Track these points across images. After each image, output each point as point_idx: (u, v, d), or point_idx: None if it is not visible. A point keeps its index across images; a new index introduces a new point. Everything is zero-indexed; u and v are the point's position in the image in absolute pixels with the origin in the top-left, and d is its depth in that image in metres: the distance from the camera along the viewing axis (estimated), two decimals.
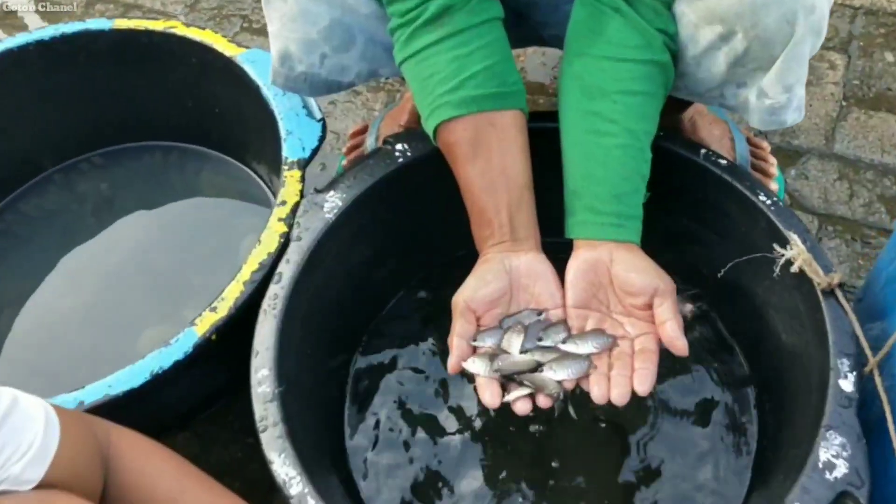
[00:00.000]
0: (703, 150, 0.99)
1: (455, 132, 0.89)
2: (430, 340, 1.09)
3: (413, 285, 1.14)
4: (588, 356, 0.85)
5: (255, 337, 0.89)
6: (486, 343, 0.86)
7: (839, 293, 0.85)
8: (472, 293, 0.87)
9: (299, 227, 0.97)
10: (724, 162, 0.98)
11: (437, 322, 1.09)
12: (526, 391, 0.84)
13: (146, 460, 0.77)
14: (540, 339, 0.86)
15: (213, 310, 0.92)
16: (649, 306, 0.85)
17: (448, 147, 0.91)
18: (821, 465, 0.77)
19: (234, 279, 0.94)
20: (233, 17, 1.59)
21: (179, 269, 1.21)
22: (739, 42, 0.84)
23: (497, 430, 1.01)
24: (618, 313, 0.87)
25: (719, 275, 0.94)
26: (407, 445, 1.01)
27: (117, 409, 0.90)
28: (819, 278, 0.85)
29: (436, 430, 1.02)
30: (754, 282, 0.98)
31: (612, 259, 0.86)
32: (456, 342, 0.85)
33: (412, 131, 1.07)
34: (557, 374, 0.84)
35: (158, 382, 0.89)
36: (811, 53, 0.87)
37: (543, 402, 0.84)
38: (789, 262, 0.86)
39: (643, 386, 0.81)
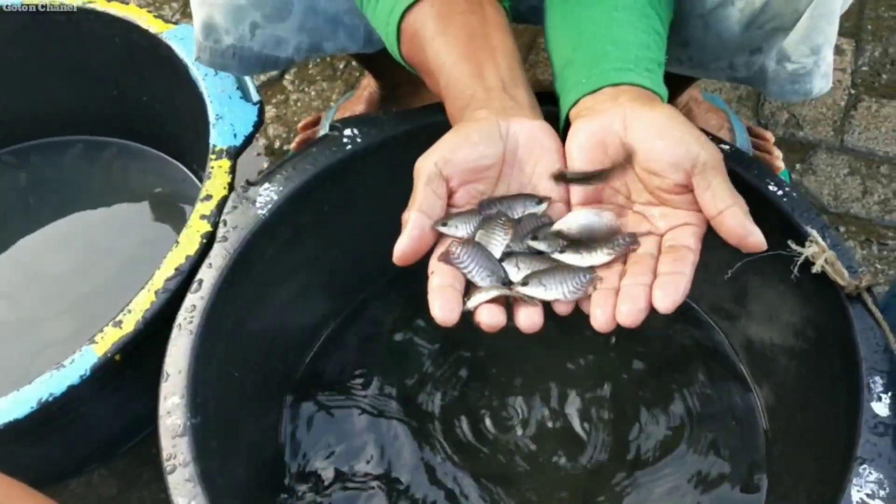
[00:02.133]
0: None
1: (421, 12, 0.68)
2: (385, 371, 0.94)
3: (367, 297, 0.98)
4: (591, 267, 0.61)
5: (165, 357, 0.74)
6: (456, 231, 0.62)
7: (868, 299, 0.70)
8: (448, 154, 0.62)
9: (226, 226, 0.81)
10: (726, 147, 0.83)
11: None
12: (495, 293, 0.60)
13: None
14: (535, 239, 0.63)
15: (118, 325, 0.76)
16: (688, 189, 0.61)
17: (412, 39, 0.68)
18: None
19: (145, 287, 0.79)
20: (172, 1, 1.44)
21: (97, 278, 1.05)
22: None
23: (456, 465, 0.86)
24: (643, 203, 0.64)
25: (725, 277, 0.79)
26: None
27: (5, 445, 0.75)
28: (844, 281, 0.70)
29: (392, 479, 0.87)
30: (764, 288, 0.83)
31: (627, 123, 0.61)
32: (413, 218, 0.60)
33: (365, 116, 0.92)
34: (548, 292, 0.61)
35: (51, 412, 0.74)
36: (842, 9, 0.73)
37: (524, 320, 0.60)
38: (808, 263, 0.72)
39: (667, 299, 0.57)
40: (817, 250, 0.70)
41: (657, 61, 0.67)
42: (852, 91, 1.22)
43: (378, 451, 0.87)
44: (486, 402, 0.90)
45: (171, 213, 1.11)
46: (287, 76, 1.30)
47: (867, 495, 0.63)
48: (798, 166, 1.14)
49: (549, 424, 0.88)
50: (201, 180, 1.11)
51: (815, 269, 0.69)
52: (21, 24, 1.06)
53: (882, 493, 0.63)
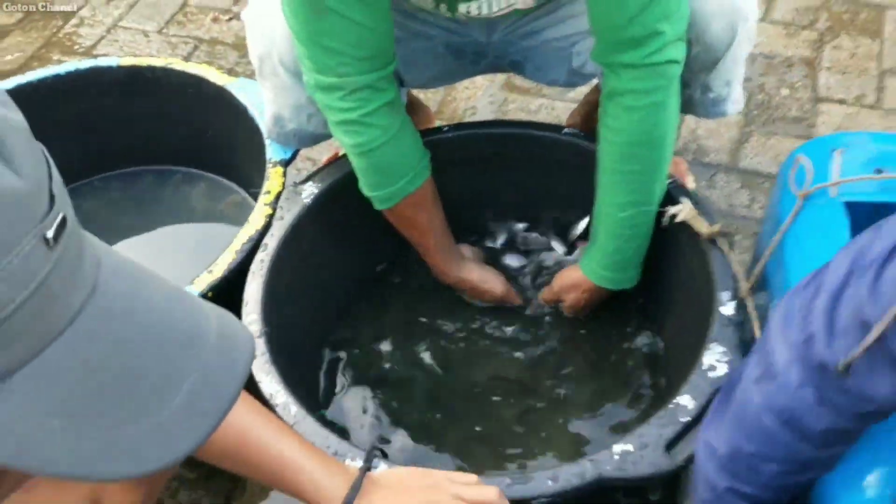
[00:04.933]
0: None
1: (424, 191, 1.12)
2: (398, 312, 1.28)
3: (385, 268, 1.33)
4: None
5: (244, 292, 1.07)
6: None
7: (721, 240, 1.05)
8: (500, 283, 1.25)
9: (282, 210, 1.17)
10: None
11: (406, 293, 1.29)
12: None
13: None
14: None
15: (210, 272, 1.10)
16: None
17: (417, 204, 1.13)
18: (704, 368, 0.95)
19: (227, 249, 1.12)
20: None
21: (173, 270, 1.38)
22: (692, 47, 1.03)
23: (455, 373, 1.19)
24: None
25: None
26: (371, 380, 1.20)
27: None
28: (703, 228, 1.05)
29: (402, 379, 1.20)
30: (653, 244, 1.17)
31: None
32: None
33: None
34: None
35: None
36: (745, 56, 1.11)
37: None
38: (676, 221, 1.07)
39: None
40: (684, 208, 1.06)
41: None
42: (746, 129, 1.59)
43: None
44: (462, 356, 1.23)
45: (227, 220, 1.46)
46: None
47: (715, 360, 0.96)
48: (703, 182, 1.50)
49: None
50: (253, 196, 1.45)
51: (678, 218, 1.04)
52: (117, 79, 1.42)
53: (725, 359, 0.96)
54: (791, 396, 0.74)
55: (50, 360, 0.40)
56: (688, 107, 1.17)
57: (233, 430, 0.81)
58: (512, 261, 1.33)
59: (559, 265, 1.30)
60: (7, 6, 1.95)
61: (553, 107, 1.67)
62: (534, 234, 1.35)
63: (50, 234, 0.39)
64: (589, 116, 1.38)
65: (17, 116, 0.42)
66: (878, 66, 1.69)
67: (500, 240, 1.36)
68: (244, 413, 0.83)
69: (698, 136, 1.59)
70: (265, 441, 0.82)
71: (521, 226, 1.35)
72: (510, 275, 1.30)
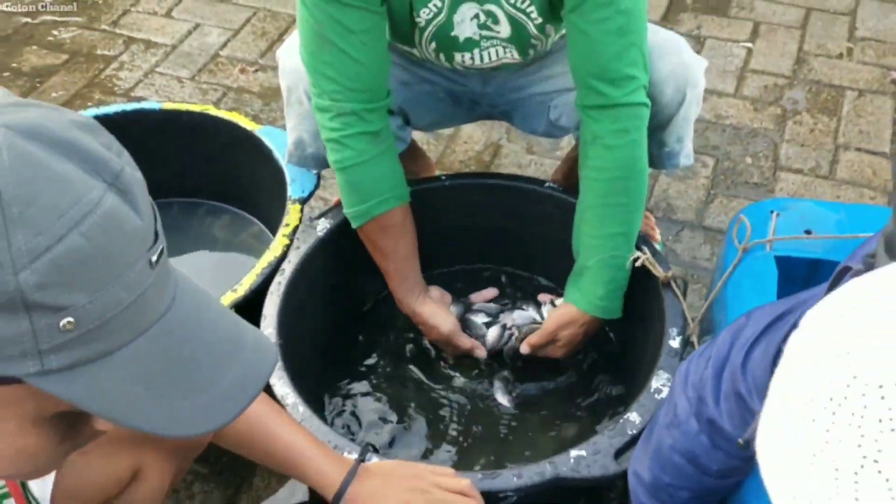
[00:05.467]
0: None
1: (393, 216, 1.27)
2: (394, 333, 1.45)
3: (385, 296, 1.50)
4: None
5: (263, 308, 1.25)
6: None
7: (673, 284, 1.23)
8: (451, 324, 1.35)
9: (298, 241, 1.35)
10: None
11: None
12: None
13: None
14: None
15: (234, 290, 1.28)
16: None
17: (383, 228, 1.28)
18: (652, 390, 1.12)
19: (250, 272, 1.30)
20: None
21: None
22: (668, 94, 1.24)
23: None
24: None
25: None
26: (376, 386, 1.38)
27: None
28: (659, 274, 1.23)
29: (392, 391, 1.37)
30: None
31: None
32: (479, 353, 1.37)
33: None
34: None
35: None
36: (694, 116, 1.31)
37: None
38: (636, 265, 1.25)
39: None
40: (643, 255, 1.24)
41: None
42: (712, 191, 1.78)
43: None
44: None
45: (245, 250, 1.63)
46: None
47: (661, 385, 1.13)
48: (670, 237, 1.69)
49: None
50: (271, 230, 1.63)
51: (638, 263, 1.22)
52: (158, 120, 1.61)
53: (668, 384, 1.13)
54: (692, 441, 0.90)
55: (140, 347, 0.54)
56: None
57: (251, 421, 0.98)
58: (477, 317, 1.41)
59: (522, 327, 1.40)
60: (53, 50, 2.16)
61: (542, 163, 1.86)
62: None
63: (154, 258, 0.55)
64: (570, 173, 1.58)
65: (139, 175, 0.59)
66: (833, 142, 1.89)
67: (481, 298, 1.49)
68: (261, 408, 0.99)
69: (669, 196, 1.78)
70: (277, 432, 0.98)
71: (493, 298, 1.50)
72: (476, 333, 1.40)
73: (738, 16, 2.27)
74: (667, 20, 2.25)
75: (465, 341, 1.36)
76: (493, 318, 1.42)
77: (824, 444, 0.46)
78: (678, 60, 1.23)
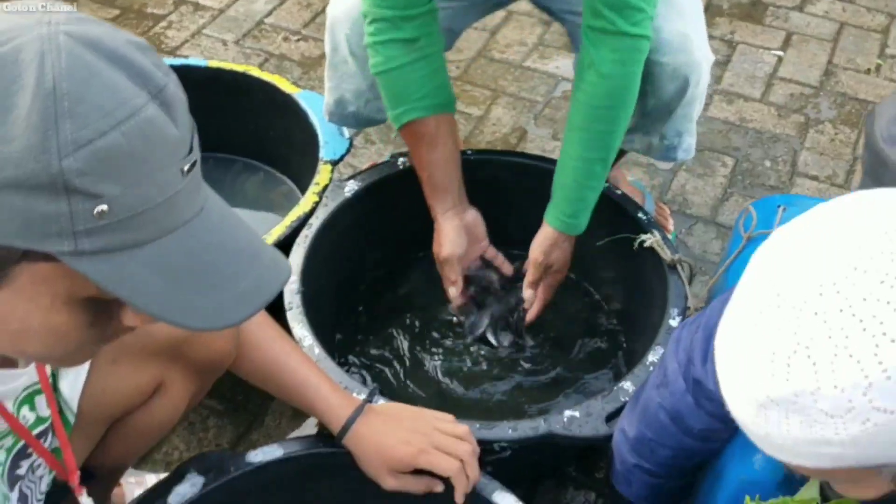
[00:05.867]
0: (607, 184, 1.45)
1: (425, 125, 1.31)
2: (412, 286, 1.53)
3: (403, 258, 1.57)
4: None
5: (289, 258, 1.32)
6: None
7: (679, 268, 1.29)
8: (454, 249, 1.35)
9: (327, 199, 1.42)
10: (619, 192, 1.44)
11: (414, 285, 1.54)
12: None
13: (257, 318, 1.04)
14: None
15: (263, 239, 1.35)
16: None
17: (416, 135, 1.31)
18: (648, 363, 1.19)
19: (279, 224, 1.38)
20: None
21: None
22: (650, 99, 1.31)
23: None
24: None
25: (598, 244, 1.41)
26: (387, 342, 1.46)
27: None
28: (666, 256, 1.29)
29: (416, 326, 1.45)
30: (628, 265, 1.42)
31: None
32: (452, 290, 1.38)
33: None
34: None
35: None
36: (697, 113, 1.36)
37: None
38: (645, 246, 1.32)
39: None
40: (653, 237, 1.30)
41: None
42: (728, 190, 1.84)
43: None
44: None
45: (274, 207, 1.71)
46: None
47: (657, 359, 1.19)
48: (683, 230, 1.74)
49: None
50: (301, 191, 1.71)
51: (647, 244, 1.29)
52: (203, 77, 1.69)
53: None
54: (678, 400, 0.97)
55: (165, 245, 0.60)
56: (648, 151, 1.44)
57: (270, 354, 1.05)
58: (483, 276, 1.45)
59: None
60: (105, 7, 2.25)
61: None
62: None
63: (186, 168, 0.61)
64: None
65: (182, 94, 0.64)
66: (852, 153, 1.93)
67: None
68: (280, 343, 1.06)
69: (686, 191, 1.83)
70: (293, 366, 1.05)
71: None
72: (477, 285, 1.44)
73: (773, 24, 2.31)
74: None
75: (451, 275, 1.38)
76: (496, 298, 1.44)
77: (766, 333, 0.56)
78: (686, 59, 1.28)
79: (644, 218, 1.39)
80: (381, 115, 1.46)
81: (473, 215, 1.40)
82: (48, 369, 0.84)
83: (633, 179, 1.79)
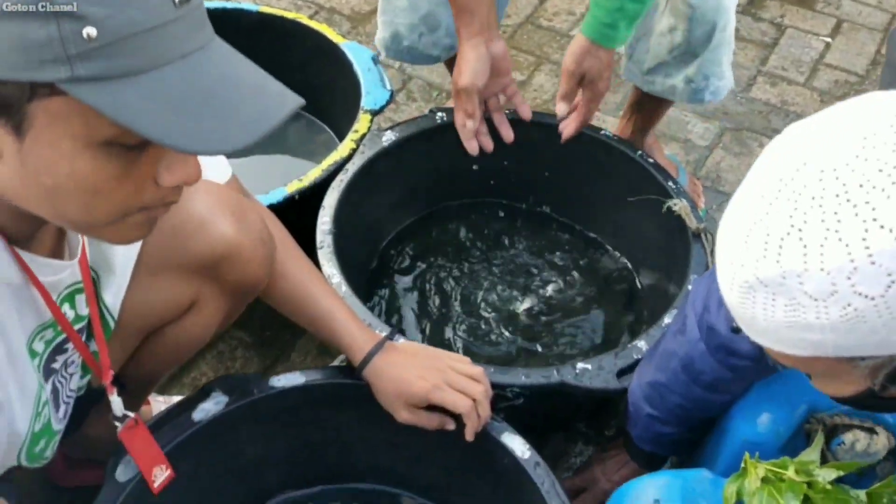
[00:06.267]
0: (640, 152, 1.47)
1: None
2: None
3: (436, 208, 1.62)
4: None
5: (324, 200, 1.37)
6: None
7: (703, 236, 1.31)
8: (475, 79, 1.32)
9: (364, 147, 1.46)
10: (651, 160, 1.46)
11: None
12: None
13: (288, 247, 1.11)
14: None
15: (300, 180, 1.39)
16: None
17: None
18: (664, 325, 1.21)
19: (316, 168, 1.42)
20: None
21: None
22: (679, 36, 1.35)
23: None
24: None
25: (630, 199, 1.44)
26: (411, 289, 1.50)
27: None
28: (692, 224, 1.32)
29: (441, 277, 1.49)
30: (653, 230, 1.44)
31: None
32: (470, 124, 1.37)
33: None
34: None
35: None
36: (726, 57, 1.40)
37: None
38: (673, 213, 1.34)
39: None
40: (681, 204, 1.32)
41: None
42: None
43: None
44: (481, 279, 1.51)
45: (312, 155, 1.75)
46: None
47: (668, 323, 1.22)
48: (714, 206, 1.75)
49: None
50: (339, 137, 1.75)
51: (675, 209, 1.31)
52: (252, 22, 1.73)
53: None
54: (691, 347, 1.01)
55: (165, 75, 0.61)
56: (672, 94, 1.47)
57: (300, 286, 1.09)
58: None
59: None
60: None
61: (605, 120, 1.93)
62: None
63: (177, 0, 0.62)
64: (626, 128, 1.66)
65: None
66: None
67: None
68: (310, 277, 1.11)
69: (720, 168, 1.84)
70: (319, 298, 1.09)
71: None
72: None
73: (824, 11, 2.29)
74: (752, 5, 2.28)
75: (468, 107, 1.35)
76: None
77: (764, 215, 0.58)
78: (714, 4, 1.33)
79: (674, 187, 1.40)
80: (435, 50, 1.49)
81: (501, 47, 1.33)
82: (90, 269, 0.88)
83: (669, 153, 1.81)
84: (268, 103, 0.67)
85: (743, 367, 1.00)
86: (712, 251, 1.34)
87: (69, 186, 0.65)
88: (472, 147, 1.41)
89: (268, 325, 1.47)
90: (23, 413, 0.82)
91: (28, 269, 0.77)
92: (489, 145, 1.41)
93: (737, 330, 0.93)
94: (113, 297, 0.95)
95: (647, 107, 1.60)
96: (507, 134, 1.41)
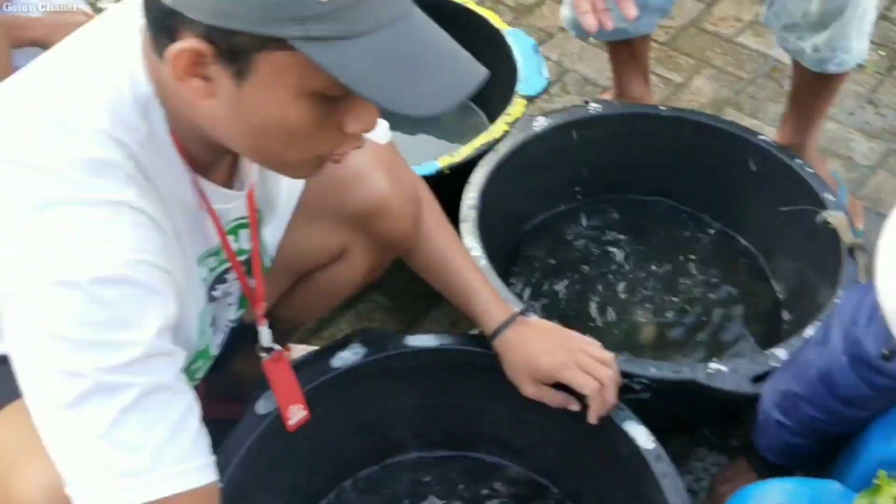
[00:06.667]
0: (807, 168, 1.43)
1: None
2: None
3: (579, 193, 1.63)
4: None
5: (471, 176, 1.40)
6: None
7: (857, 252, 1.26)
8: None
9: (516, 130, 1.48)
10: (811, 170, 1.42)
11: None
12: None
13: (435, 214, 1.14)
14: None
15: (451, 155, 1.43)
16: None
17: None
18: (805, 336, 1.18)
19: (467, 145, 1.45)
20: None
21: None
22: (813, 4, 1.37)
23: None
24: None
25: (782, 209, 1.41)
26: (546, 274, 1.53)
27: None
28: (847, 238, 1.27)
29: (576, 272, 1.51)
30: (805, 241, 1.41)
31: None
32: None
33: (606, 102, 1.58)
34: None
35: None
36: (855, 34, 1.41)
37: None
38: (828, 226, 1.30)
39: None
40: (838, 217, 1.28)
41: None
42: None
43: None
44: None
45: (463, 136, 1.79)
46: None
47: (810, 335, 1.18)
48: (872, 227, 1.67)
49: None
50: (491, 121, 1.77)
51: (830, 220, 1.27)
52: (425, 6, 1.77)
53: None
54: (833, 359, 0.97)
55: (379, 37, 0.66)
56: (800, 56, 1.48)
57: (441, 249, 1.13)
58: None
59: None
60: None
61: (761, 128, 1.88)
62: None
63: None
64: (785, 134, 1.63)
65: None
66: None
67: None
68: (452, 245, 1.14)
69: (882, 191, 1.76)
70: (460, 265, 1.12)
71: None
72: None
73: None
74: None
75: (584, 4, 1.30)
76: None
77: None
78: None
79: (832, 199, 1.36)
80: (619, 23, 1.40)
81: None
82: (257, 205, 0.95)
83: (831, 170, 1.74)
84: (462, 70, 0.72)
85: (883, 387, 0.96)
86: (867, 268, 1.29)
87: (275, 128, 0.72)
88: (588, 22, 1.31)
89: (406, 291, 1.52)
90: (193, 327, 0.89)
91: (203, 195, 0.83)
92: (609, 23, 1.31)
93: (888, 357, 0.91)
94: (271, 235, 1.01)
95: (804, 101, 1.59)
96: (630, 11, 1.30)
